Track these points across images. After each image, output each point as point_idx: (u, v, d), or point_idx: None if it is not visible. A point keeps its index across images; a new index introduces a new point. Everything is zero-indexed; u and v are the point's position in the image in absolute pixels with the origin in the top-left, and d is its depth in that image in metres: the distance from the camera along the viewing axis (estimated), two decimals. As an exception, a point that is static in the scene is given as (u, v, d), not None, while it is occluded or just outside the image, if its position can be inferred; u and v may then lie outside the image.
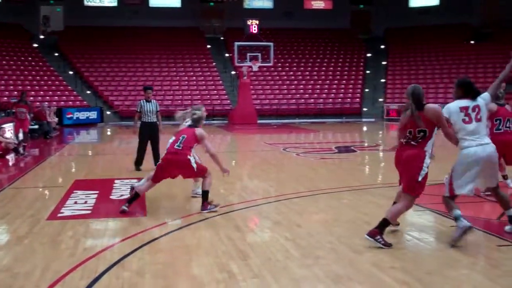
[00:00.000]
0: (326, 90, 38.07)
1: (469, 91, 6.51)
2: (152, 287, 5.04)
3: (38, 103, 27.34)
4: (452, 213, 6.29)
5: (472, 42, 39.89)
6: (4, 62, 34.64)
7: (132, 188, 8.72)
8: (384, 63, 40.72)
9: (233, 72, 38.53)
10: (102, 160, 15.81)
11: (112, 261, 5.69)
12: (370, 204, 8.63)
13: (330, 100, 37.24)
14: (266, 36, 36.49)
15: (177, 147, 8.00)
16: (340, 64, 40.78)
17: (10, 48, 36.09)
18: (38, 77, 34.71)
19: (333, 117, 34.96)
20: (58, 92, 34.08)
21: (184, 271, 5.40)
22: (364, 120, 35.38)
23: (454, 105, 6.44)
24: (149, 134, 12.42)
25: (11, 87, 32.66)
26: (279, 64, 39.09)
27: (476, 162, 6.26)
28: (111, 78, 36.61)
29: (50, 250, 6.15)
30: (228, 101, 36.03)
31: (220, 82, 37.96)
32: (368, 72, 40.35)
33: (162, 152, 8.58)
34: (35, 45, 37.96)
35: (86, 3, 40.83)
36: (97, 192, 9.67)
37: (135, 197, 8.20)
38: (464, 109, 6.35)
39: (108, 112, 33.95)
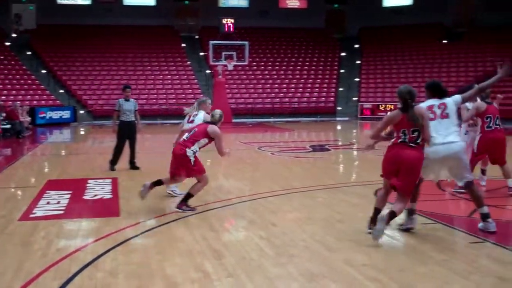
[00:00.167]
0: (301, 89, 38.20)
1: (437, 92, 6.72)
2: (126, 287, 5.02)
3: (10, 102, 26.99)
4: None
5: (445, 41, 40.36)
6: (-25, 60, 34.13)
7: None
8: (358, 62, 41.00)
9: (208, 71, 38.45)
10: (76, 160, 15.67)
11: (85, 262, 5.65)
12: (344, 203, 8.71)
13: (305, 99, 37.38)
14: (241, 35, 36.53)
15: (184, 139, 8.13)
16: (314, 63, 40.95)
17: (-19, 47, 35.60)
18: (10, 76, 34.23)
19: (307, 116, 35.10)
20: (31, 91, 33.64)
21: (158, 271, 5.38)
22: (338, 119, 35.59)
23: (423, 105, 6.68)
24: (127, 133, 12.36)
25: (-17, 86, 32.19)
26: (254, 63, 39.11)
27: (438, 160, 6.47)
28: (84, 77, 36.27)
29: (22, 251, 6.09)
30: (203, 100, 35.89)
31: (195, 81, 37.85)
32: (342, 71, 40.59)
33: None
34: (7, 43, 37.40)
35: (59, 1, 40.34)
36: (70, 192, 9.59)
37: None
38: (430, 107, 6.61)
39: (82, 112, 33.63)
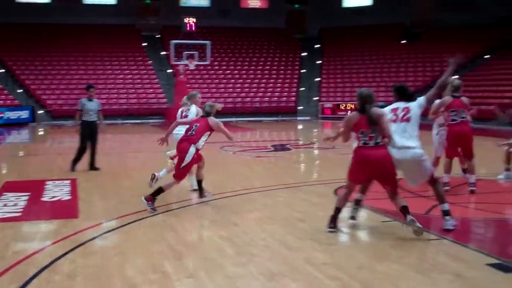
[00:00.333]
0: (262, 89, 38.29)
1: (403, 95, 6.85)
2: (85, 289, 4.97)
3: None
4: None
5: (403, 41, 40.99)
6: None
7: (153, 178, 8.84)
8: (319, 62, 41.29)
9: (169, 70, 38.20)
10: (34, 161, 15.39)
11: (43, 264, 5.56)
12: (304, 202, 8.77)
13: (267, 98, 37.48)
14: (203, 35, 36.39)
15: (189, 134, 8.39)
16: (276, 63, 41.09)
17: None
18: (-34, 76, 33.43)
19: (269, 116, 35.19)
20: (-12, 91, 32.93)
21: (117, 273, 5.33)
22: (299, 118, 35.78)
23: (388, 108, 6.84)
24: (89, 133, 12.21)
25: None
26: (216, 63, 39.02)
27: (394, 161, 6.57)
28: (43, 76, 35.63)
29: (-23, 255, 5.97)
30: (165, 99, 35.70)
31: (157, 80, 37.57)
32: (303, 71, 40.82)
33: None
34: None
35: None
36: (28, 194, 9.41)
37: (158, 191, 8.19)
38: (394, 110, 6.75)
39: (40, 112, 33.03)
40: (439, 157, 9.90)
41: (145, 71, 38.12)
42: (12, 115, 30.61)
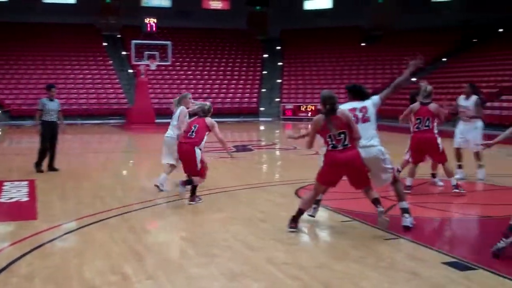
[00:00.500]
0: (224, 90, 38.26)
1: (357, 94, 6.92)
2: (43, 292, 4.90)
3: None
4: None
5: (363, 44, 41.52)
6: None
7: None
8: (280, 63, 41.49)
9: (130, 71, 37.85)
10: (-10, 161, 15.07)
11: (0, 267, 5.45)
12: (266, 202, 8.81)
13: (228, 99, 37.47)
14: (164, 35, 36.17)
15: (190, 136, 8.48)
16: (238, 64, 41.12)
17: None
18: None
19: (231, 117, 35.13)
20: None
21: (76, 275, 5.27)
22: (261, 119, 35.87)
23: (344, 107, 6.86)
24: (50, 133, 12.01)
25: None
26: (178, 63, 38.83)
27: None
28: (1, 75, 34.86)
29: None
30: (126, 100, 35.34)
31: (117, 80, 37.18)
32: (265, 72, 40.96)
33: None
34: None
35: (-26, -3, 38.68)
36: (-16, 195, 9.22)
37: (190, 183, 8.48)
38: (352, 110, 6.76)
39: (-2, 112, 32.38)
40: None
41: (105, 71, 37.69)
42: (-32, 115, 29.91)
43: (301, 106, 35.72)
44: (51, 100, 12.07)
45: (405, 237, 6.55)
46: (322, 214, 7.70)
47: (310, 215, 7.23)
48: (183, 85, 37.97)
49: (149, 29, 36.47)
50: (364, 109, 6.81)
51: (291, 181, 10.32)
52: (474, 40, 37.29)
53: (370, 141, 6.71)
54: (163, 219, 7.81)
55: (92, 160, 15.40)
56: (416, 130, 9.28)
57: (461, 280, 5.09)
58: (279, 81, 39.89)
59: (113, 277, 5.19)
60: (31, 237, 6.57)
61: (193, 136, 8.48)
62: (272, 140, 22.70)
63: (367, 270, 5.38)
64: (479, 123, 10.60)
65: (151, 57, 32.81)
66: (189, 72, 39.25)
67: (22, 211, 8.10)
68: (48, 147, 12.01)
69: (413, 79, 34.70)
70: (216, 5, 44.38)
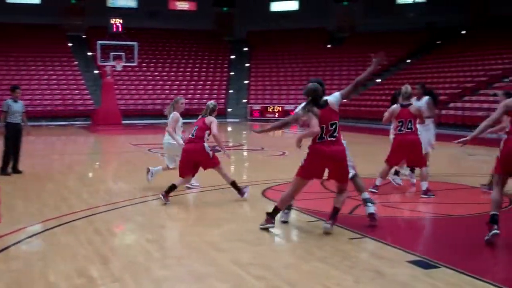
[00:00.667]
0: (191, 91, 38.12)
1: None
2: (6, 296, 4.84)
3: None
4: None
5: (328, 46, 41.88)
6: None
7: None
8: (247, 65, 41.56)
9: (96, 71, 37.47)
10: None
11: (-38, 272, 5.38)
12: (233, 203, 8.81)
13: (196, 100, 37.29)
14: (131, 36, 35.88)
15: (191, 137, 8.81)
16: (205, 65, 41.04)
17: None
18: None
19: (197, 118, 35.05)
20: None
21: (40, 278, 5.21)
22: (229, 120, 35.87)
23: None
24: (15, 135, 11.83)
25: None
26: (144, 64, 38.58)
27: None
28: (-38, 76, 34.22)
29: None
30: (91, 101, 34.95)
31: (83, 81, 36.74)
32: (232, 73, 40.97)
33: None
34: None
35: None
36: None
37: (171, 188, 8.61)
38: None
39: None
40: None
41: (70, 72, 37.21)
42: None
43: (269, 107, 35.86)
44: (16, 101, 11.91)
45: (370, 237, 6.64)
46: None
47: (283, 221, 7.24)
48: (150, 86, 37.77)
49: (115, 29, 36.14)
50: None
51: (258, 182, 10.36)
52: (438, 42, 37.93)
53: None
54: (129, 221, 7.77)
55: (57, 162, 15.22)
56: (399, 132, 9.34)
57: (424, 278, 5.19)
58: (246, 82, 39.96)
59: (78, 280, 5.14)
60: (-6, 241, 6.48)
61: (193, 137, 8.79)
62: (240, 141, 22.74)
63: (332, 270, 5.44)
64: (431, 124, 10.69)
65: (117, 58, 32.56)
66: (156, 73, 39.03)
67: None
68: (12, 149, 11.84)
69: (378, 80, 35.18)
70: (183, 6, 44.24)
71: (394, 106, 9.47)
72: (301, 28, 41.60)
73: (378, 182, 9.41)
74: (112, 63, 32.22)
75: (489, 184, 9.24)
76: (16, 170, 11.84)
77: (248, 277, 5.24)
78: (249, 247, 6.21)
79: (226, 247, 6.22)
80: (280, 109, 35.54)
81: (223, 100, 37.89)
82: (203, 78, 39.70)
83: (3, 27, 37.29)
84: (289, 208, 7.31)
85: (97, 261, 5.73)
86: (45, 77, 36.05)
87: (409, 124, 9.24)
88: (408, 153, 9.39)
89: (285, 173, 10.20)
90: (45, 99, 34.01)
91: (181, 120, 9.94)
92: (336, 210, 6.75)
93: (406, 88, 9.45)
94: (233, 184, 8.93)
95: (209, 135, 8.88)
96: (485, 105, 24.27)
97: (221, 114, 36.63)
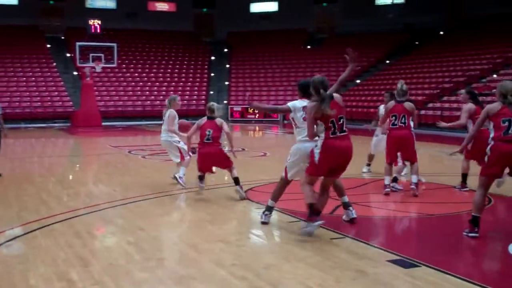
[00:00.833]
0: (171, 92, 37.89)
1: (306, 92, 7.00)
2: (-15, 300, 4.79)
3: None
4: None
5: (308, 46, 42.06)
6: None
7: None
8: (227, 66, 41.54)
9: (75, 73, 37.19)
10: None
11: None
12: (214, 204, 8.81)
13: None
14: (110, 37, 35.73)
15: (207, 141, 8.98)
16: (185, 66, 40.96)
17: None
18: None
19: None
20: None
21: (20, 282, 5.16)
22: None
23: (298, 103, 7.03)
24: None
25: None
26: (124, 66, 38.40)
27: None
28: None
29: None
30: (71, 102, 34.69)
31: (62, 83, 36.43)
32: (212, 74, 40.93)
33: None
34: None
35: None
36: None
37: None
38: (304, 108, 6.85)
39: None
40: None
41: (49, 74, 36.89)
42: None
43: (249, 108, 35.87)
44: None
45: (351, 236, 6.68)
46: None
47: (264, 222, 7.24)
48: (130, 87, 37.60)
49: (93, 30, 35.92)
50: None
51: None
52: (416, 43, 38.27)
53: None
54: (109, 223, 7.73)
55: (37, 165, 15.08)
56: (392, 127, 9.39)
57: (405, 277, 5.23)
58: (226, 83, 39.94)
59: (58, 284, 5.11)
60: (-28, 245, 6.41)
61: (211, 141, 8.99)
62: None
63: (313, 270, 5.46)
64: None
65: (97, 59, 32.34)
66: (136, 74, 38.87)
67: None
68: None
69: (357, 81, 35.39)
70: (162, 7, 44.07)
71: (390, 102, 9.54)
72: (281, 29, 41.72)
73: (386, 181, 9.39)
74: (91, 64, 31.99)
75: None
76: (-6, 173, 11.73)
77: (230, 278, 5.24)
78: (230, 248, 6.21)
79: (207, 248, 6.21)
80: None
81: (203, 101, 37.78)
82: (183, 79, 39.61)
83: (-21, 28, 36.89)
84: (270, 210, 7.31)
85: (77, 264, 5.69)
86: (24, 78, 35.70)
87: (403, 119, 9.28)
88: (401, 147, 9.46)
89: (266, 174, 10.24)
90: (23, 101, 33.69)
91: (176, 118, 10.21)
92: (318, 212, 6.65)
93: (402, 85, 9.47)
94: (237, 179, 9.15)
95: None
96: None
97: (201, 115, 36.20)
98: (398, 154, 9.58)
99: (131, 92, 37.29)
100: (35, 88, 35.28)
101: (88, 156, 18.12)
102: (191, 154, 9.95)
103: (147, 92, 37.51)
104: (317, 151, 6.49)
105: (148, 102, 36.64)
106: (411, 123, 9.44)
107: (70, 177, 13.20)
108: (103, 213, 8.30)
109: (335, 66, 37.81)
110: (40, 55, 38.15)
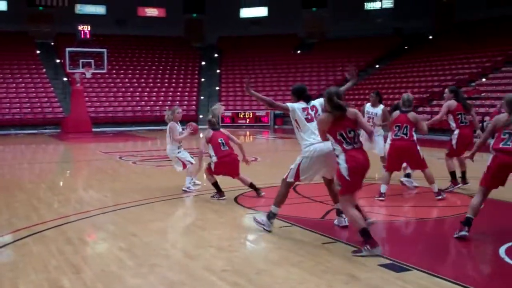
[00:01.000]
0: (162, 97, 37.99)
1: (301, 95, 7.05)
2: (-24, 308, 4.76)
3: None
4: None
5: (298, 51, 42.18)
6: None
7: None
8: (218, 71, 41.56)
9: (65, 79, 37.08)
10: None
11: None
12: (205, 209, 8.80)
13: (167, 107, 37.15)
14: (100, 43, 35.65)
15: (225, 149, 9.43)
16: (175, 71, 40.93)
17: None
18: None
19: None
20: None
21: (11, 289, 5.15)
22: (200, 127, 35.33)
23: (297, 104, 7.04)
24: None
25: None
26: (114, 71, 38.34)
27: (321, 159, 6.77)
28: None
29: None
30: (61, 109, 34.58)
31: (51, 89, 36.33)
32: (203, 80, 40.92)
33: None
34: None
35: None
36: None
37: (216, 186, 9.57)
38: (304, 109, 6.95)
39: None
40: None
41: (39, 80, 36.78)
42: None
43: (240, 113, 35.91)
44: None
45: (343, 241, 6.69)
46: (262, 219, 7.74)
47: (267, 230, 7.15)
48: (120, 93, 37.52)
49: (83, 36, 35.79)
50: (314, 108, 6.96)
51: (230, 188, 10.33)
52: (406, 47, 38.47)
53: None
54: (101, 230, 7.70)
55: (27, 171, 15.02)
56: (395, 137, 9.41)
57: (396, 281, 5.25)
58: (217, 88, 39.93)
59: (50, 291, 5.09)
60: (-37, 253, 6.37)
61: (227, 149, 9.46)
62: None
63: (306, 274, 5.47)
64: (381, 131, 11.11)
65: (86, 65, 32.23)
66: (126, 80, 38.81)
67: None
68: None
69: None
70: (152, 12, 44.07)
71: (394, 112, 9.60)
72: (271, 34, 41.86)
73: (383, 189, 9.36)
74: (81, 70, 31.90)
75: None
76: (-16, 180, 11.67)
77: (221, 284, 5.24)
78: (221, 254, 6.21)
79: (199, 254, 6.21)
80: (251, 114, 35.66)
81: (194, 106, 37.79)
82: (173, 84, 39.57)
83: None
84: (274, 216, 7.20)
85: (69, 270, 5.67)
86: (14, 85, 35.57)
87: (405, 129, 9.28)
88: (405, 158, 9.54)
89: (258, 179, 10.22)
90: (13, 107, 33.56)
91: (177, 129, 10.63)
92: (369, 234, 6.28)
93: (408, 96, 9.53)
94: (251, 185, 9.64)
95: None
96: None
97: (192, 121, 36.30)
98: (405, 164, 9.92)
99: (121, 98, 37.21)
100: (25, 94, 35.16)
101: (79, 162, 18.05)
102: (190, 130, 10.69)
103: (138, 98, 37.44)
104: (343, 167, 6.26)
105: (139, 107, 36.58)
106: (414, 134, 9.42)
107: (61, 183, 13.13)
108: (94, 220, 8.27)
109: (325, 70, 37.99)
110: (30, 61, 38.04)
